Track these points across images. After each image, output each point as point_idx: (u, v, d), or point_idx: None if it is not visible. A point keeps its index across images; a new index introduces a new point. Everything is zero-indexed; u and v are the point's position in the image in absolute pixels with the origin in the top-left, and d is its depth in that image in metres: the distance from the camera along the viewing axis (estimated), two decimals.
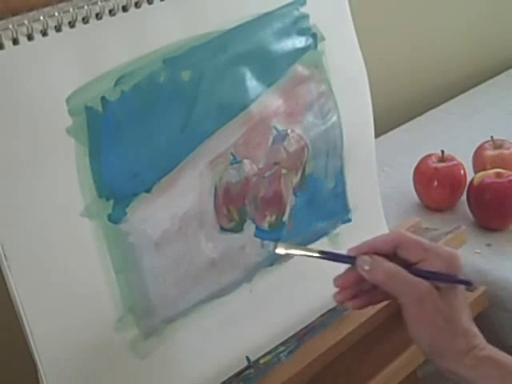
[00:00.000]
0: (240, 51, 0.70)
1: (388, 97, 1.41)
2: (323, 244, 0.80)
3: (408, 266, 0.64)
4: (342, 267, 0.72)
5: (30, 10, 0.57)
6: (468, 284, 0.66)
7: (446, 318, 0.63)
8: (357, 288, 0.67)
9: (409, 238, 0.65)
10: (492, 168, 1.07)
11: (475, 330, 0.66)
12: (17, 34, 0.56)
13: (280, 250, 0.69)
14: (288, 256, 0.77)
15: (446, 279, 0.64)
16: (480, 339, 0.65)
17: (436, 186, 1.08)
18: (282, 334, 0.76)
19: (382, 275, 0.64)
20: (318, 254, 0.68)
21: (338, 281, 0.67)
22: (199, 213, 0.69)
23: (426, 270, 0.64)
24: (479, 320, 0.93)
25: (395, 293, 0.64)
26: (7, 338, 0.83)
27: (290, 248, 0.70)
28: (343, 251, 0.67)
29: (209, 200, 0.69)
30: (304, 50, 0.75)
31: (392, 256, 0.65)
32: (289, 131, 0.75)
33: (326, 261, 0.78)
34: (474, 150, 1.16)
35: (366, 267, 0.64)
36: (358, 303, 0.67)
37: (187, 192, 0.67)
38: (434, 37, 1.54)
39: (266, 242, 0.73)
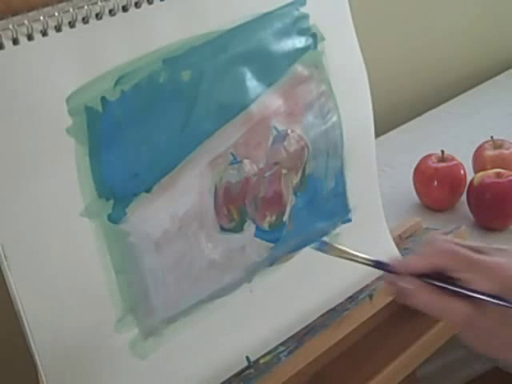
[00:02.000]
0: (240, 51, 0.70)
1: (388, 97, 1.41)
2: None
3: (452, 284, 0.61)
4: (342, 268, 0.72)
5: (30, 9, 0.57)
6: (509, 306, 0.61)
7: (492, 332, 0.61)
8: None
9: (453, 256, 0.62)
10: (492, 168, 1.07)
11: None
12: (17, 33, 0.56)
13: (331, 254, 0.68)
14: (288, 256, 0.77)
15: (493, 302, 0.60)
16: None
17: (436, 186, 1.08)
18: (282, 334, 0.76)
19: (420, 303, 0.62)
20: (371, 263, 0.66)
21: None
22: (199, 213, 0.69)
23: (468, 289, 0.61)
24: None
25: (438, 318, 0.64)
26: (7, 338, 0.83)
27: (343, 254, 0.68)
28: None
29: (209, 200, 0.69)
30: (304, 50, 0.75)
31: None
32: (289, 131, 0.75)
33: (326, 261, 0.78)
34: (474, 150, 1.16)
35: (407, 292, 0.62)
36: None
37: (187, 192, 0.67)
38: (433, 37, 1.54)
39: (317, 245, 0.70)
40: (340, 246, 0.69)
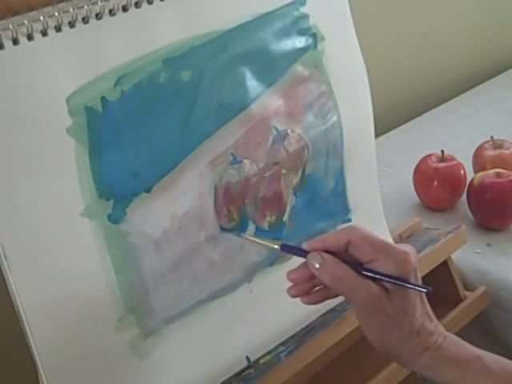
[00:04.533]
0: (240, 51, 0.70)
1: (388, 97, 1.41)
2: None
3: (360, 264, 0.62)
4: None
5: (30, 9, 0.57)
6: (421, 291, 0.62)
7: (395, 322, 0.61)
8: (311, 283, 0.64)
9: (360, 236, 0.62)
10: (492, 168, 1.07)
11: (431, 326, 0.63)
12: (17, 33, 0.56)
13: (246, 236, 0.70)
14: (288, 256, 0.77)
15: (395, 283, 0.61)
16: (437, 336, 0.63)
17: (436, 186, 1.08)
18: (282, 334, 0.77)
19: (328, 277, 0.62)
20: (277, 247, 0.67)
21: (291, 275, 0.64)
22: (199, 213, 0.69)
23: (375, 271, 0.61)
24: (479, 320, 0.93)
25: (343, 295, 0.63)
26: (7, 338, 0.83)
27: (254, 237, 0.70)
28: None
29: (209, 200, 0.69)
30: (304, 50, 0.75)
31: (346, 252, 0.62)
32: (289, 131, 0.75)
33: None
34: (474, 150, 1.16)
35: (316, 265, 0.62)
36: (312, 298, 0.65)
37: (187, 192, 0.67)
38: (434, 37, 1.54)
39: (235, 232, 0.72)
40: (249, 237, 0.71)
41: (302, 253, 0.64)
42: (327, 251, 0.62)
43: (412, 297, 0.62)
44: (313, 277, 0.63)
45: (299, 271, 0.64)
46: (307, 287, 0.64)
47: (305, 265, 0.64)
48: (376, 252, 0.61)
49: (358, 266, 0.62)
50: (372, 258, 0.61)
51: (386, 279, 0.61)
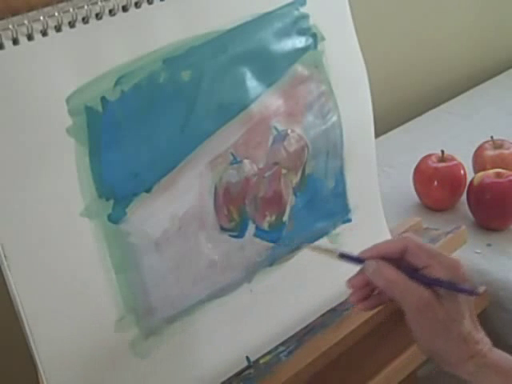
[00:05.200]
0: (240, 51, 0.70)
1: (388, 97, 1.41)
2: (323, 244, 0.80)
3: (415, 271, 0.65)
4: (342, 267, 0.72)
5: (30, 9, 0.57)
6: (471, 294, 0.65)
7: (444, 327, 0.64)
8: (369, 288, 0.68)
9: (415, 244, 0.66)
10: (492, 168, 1.07)
11: (478, 336, 0.65)
12: (17, 33, 0.56)
13: (308, 246, 0.75)
14: (288, 256, 0.77)
15: (448, 287, 0.64)
16: (482, 345, 0.65)
17: (436, 186, 1.08)
18: (281, 334, 0.77)
19: (383, 281, 0.65)
20: (336, 255, 0.70)
21: (351, 282, 0.68)
22: (199, 213, 0.69)
23: (429, 277, 0.64)
24: (479, 320, 0.93)
25: (396, 299, 0.65)
26: (7, 338, 0.83)
27: (315, 248, 0.74)
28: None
29: (209, 200, 0.69)
30: (304, 50, 0.75)
31: (401, 259, 0.66)
32: (289, 131, 0.75)
33: (326, 261, 0.78)
34: (474, 150, 1.16)
35: (370, 271, 0.66)
36: (368, 304, 0.69)
37: (187, 192, 0.67)
38: (433, 37, 1.54)
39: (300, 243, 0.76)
40: (310, 245, 0.75)
41: (359, 260, 0.67)
42: (382, 258, 0.66)
43: (462, 304, 0.65)
44: (369, 283, 0.67)
45: (357, 278, 0.68)
46: (364, 293, 0.68)
47: (362, 271, 0.67)
48: (430, 258, 0.65)
49: (411, 272, 0.65)
50: (426, 263, 0.65)
51: (439, 283, 0.64)
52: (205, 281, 0.70)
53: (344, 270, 0.81)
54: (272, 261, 0.76)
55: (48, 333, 0.60)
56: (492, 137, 1.15)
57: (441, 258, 0.65)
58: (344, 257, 0.69)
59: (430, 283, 0.64)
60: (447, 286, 0.64)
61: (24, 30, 0.57)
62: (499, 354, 0.66)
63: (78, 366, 0.63)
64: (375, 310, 0.81)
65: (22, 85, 0.57)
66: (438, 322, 0.64)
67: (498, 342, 0.68)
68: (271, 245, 0.75)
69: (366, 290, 0.68)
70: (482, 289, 0.66)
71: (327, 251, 0.72)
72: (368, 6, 1.29)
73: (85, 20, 0.60)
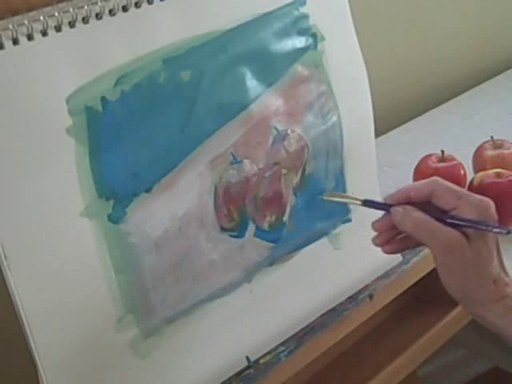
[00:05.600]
0: (240, 51, 0.70)
1: (388, 97, 1.41)
2: (323, 244, 0.80)
3: (442, 213, 0.64)
4: (342, 267, 0.72)
5: (30, 9, 0.57)
6: (501, 232, 0.64)
7: (474, 267, 0.63)
8: (393, 232, 0.67)
9: (442, 186, 0.65)
10: (492, 168, 1.07)
11: (507, 278, 0.65)
12: (17, 33, 0.56)
13: (325, 197, 0.75)
14: (288, 256, 0.77)
15: (478, 226, 0.63)
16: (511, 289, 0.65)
17: None
18: (282, 334, 0.76)
19: (410, 225, 0.64)
20: (360, 202, 0.70)
21: (376, 225, 0.68)
22: (199, 213, 0.69)
23: (457, 217, 0.64)
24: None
25: (424, 242, 0.65)
26: (7, 338, 0.83)
27: (335, 196, 0.76)
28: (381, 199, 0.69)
29: (209, 200, 0.69)
30: (304, 50, 0.75)
31: (427, 204, 0.65)
32: (289, 131, 0.75)
33: (326, 262, 0.78)
34: (474, 150, 1.16)
35: (398, 217, 0.65)
36: (393, 247, 0.68)
37: (187, 192, 0.67)
38: (434, 37, 1.53)
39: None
40: (330, 197, 0.76)
41: (385, 207, 0.67)
42: (408, 203, 0.65)
43: (491, 245, 0.64)
44: (394, 227, 0.66)
45: (383, 221, 0.67)
46: (389, 236, 0.67)
47: (388, 216, 0.66)
48: (458, 199, 0.64)
49: (439, 214, 0.64)
50: (454, 205, 0.64)
51: (468, 224, 0.63)
52: (205, 281, 0.70)
53: (344, 270, 0.81)
54: (272, 261, 0.76)
55: (48, 333, 0.60)
56: (492, 137, 1.15)
57: (469, 198, 0.64)
58: (368, 204, 0.69)
59: (459, 224, 0.63)
60: (476, 225, 0.63)
61: (24, 30, 0.57)
62: None
63: (77, 365, 0.63)
64: (375, 310, 0.81)
65: (22, 85, 0.57)
66: (468, 262, 0.63)
67: (498, 341, 0.69)
68: (271, 245, 0.75)
69: (390, 234, 0.67)
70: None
71: (350, 199, 0.73)
72: (368, 6, 1.29)
73: (85, 20, 0.60)
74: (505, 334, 0.65)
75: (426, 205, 0.65)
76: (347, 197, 0.73)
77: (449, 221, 0.64)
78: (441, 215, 0.64)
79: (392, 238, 0.68)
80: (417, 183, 0.67)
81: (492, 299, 0.64)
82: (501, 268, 0.65)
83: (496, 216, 0.65)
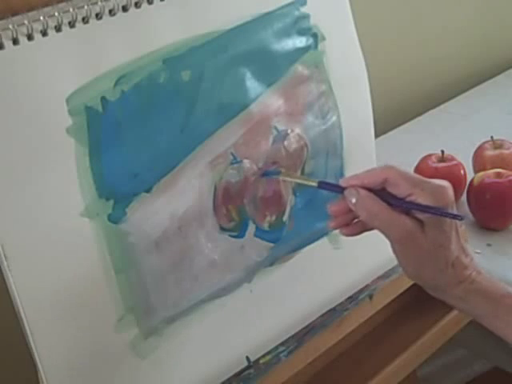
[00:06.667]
0: (240, 51, 0.70)
1: (388, 97, 1.41)
2: (323, 244, 0.80)
3: (398, 199, 0.63)
4: (342, 267, 0.72)
5: (30, 9, 0.57)
6: (454, 218, 0.63)
7: (430, 253, 0.63)
8: (350, 215, 0.66)
9: (396, 174, 0.64)
10: (492, 168, 1.07)
11: (466, 260, 0.65)
12: (17, 34, 0.56)
13: (282, 177, 0.73)
14: (288, 256, 0.77)
15: (432, 212, 0.62)
16: (471, 270, 0.65)
17: None
18: (282, 334, 0.76)
19: (364, 213, 0.64)
20: (315, 184, 0.69)
21: (331, 208, 0.66)
22: (199, 213, 0.69)
23: (411, 204, 0.63)
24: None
25: (378, 230, 0.64)
26: (7, 338, 0.83)
27: (292, 176, 0.73)
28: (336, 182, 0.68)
29: (209, 200, 0.69)
30: (304, 49, 0.75)
31: (381, 190, 0.64)
32: (289, 131, 0.75)
33: (326, 262, 0.78)
34: (474, 150, 1.16)
35: (353, 200, 0.64)
36: (351, 230, 0.67)
37: (187, 192, 0.67)
38: (434, 37, 1.54)
39: (269, 170, 0.73)
40: (286, 178, 0.73)
41: (339, 189, 0.66)
42: (364, 187, 0.64)
43: (447, 230, 0.63)
44: (351, 210, 0.65)
45: (339, 204, 0.66)
46: (346, 219, 0.66)
47: (343, 199, 0.65)
48: (413, 187, 0.63)
49: (393, 200, 0.63)
50: (409, 192, 0.63)
51: (422, 209, 0.62)
52: (205, 281, 0.70)
53: (344, 270, 0.81)
54: (272, 261, 0.76)
55: (48, 333, 0.60)
56: (492, 137, 1.15)
57: (424, 185, 0.63)
58: (323, 185, 0.68)
59: (412, 210, 0.63)
60: (428, 211, 0.62)
61: (24, 30, 0.57)
62: (487, 280, 0.66)
63: (77, 365, 0.63)
64: (375, 311, 0.81)
65: (22, 85, 0.57)
66: (423, 250, 0.63)
67: (497, 341, 0.68)
68: (271, 245, 0.75)
69: (347, 217, 0.66)
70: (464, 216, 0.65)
71: (306, 180, 0.72)
72: (368, 6, 1.29)
73: (85, 20, 0.60)
74: (468, 315, 0.65)
75: (379, 190, 0.64)
76: (303, 178, 0.72)
77: (404, 206, 0.63)
78: (396, 201, 0.63)
79: (350, 221, 0.67)
80: (371, 170, 0.66)
81: (450, 284, 0.64)
82: (461, 250, 0.65)
83: (453, 200, 0.64)
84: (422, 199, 0.62)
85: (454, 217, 0.63)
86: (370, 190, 0.64)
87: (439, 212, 0.62)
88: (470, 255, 0.66)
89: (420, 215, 0.63)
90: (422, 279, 0.66)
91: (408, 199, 0.63)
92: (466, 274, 0.65)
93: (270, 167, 0.73)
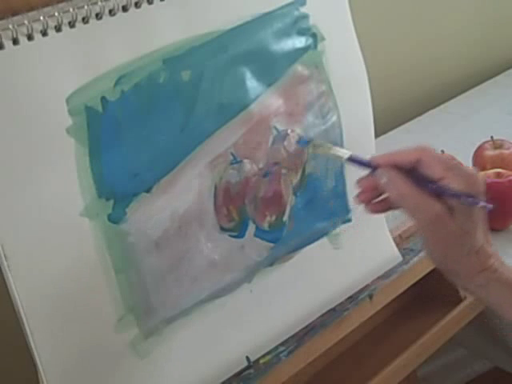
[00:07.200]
0: (240, 51, 0.70)
1: (388, 97, 1.41)
2: (323, 244, 0.80)
3: (428, 182, 0.63)
4: (342, 267, 0.72)
5: (30, 9, 0.57)
6: (483, 207, 0.63)
7: (457, 239, 0.63)
8: (377, 191, 0.66)
9: (430, 155, 0.63)
10: (492, 168, 1.07)
11: (490, 250, 0.65)
12: (17, 33, 0.56)
13: (311, 147, 0.73)
14: (288, 256, 0.77)
15: (464, 199, 0.62)
16: (494, 259, 0.65)
17: None
18: (282, 334, 0.76)
19: (394, 193, 0.63)
20: (346, 157, 0.69)
21: (361, 182, 0.66)
22: (199, 213, 0.69)
23: (441, 188, 0.62)
24: (479, 320, 0.93)
25: (407, 212, 0.64)
26: (7, 338, 0.83)
27: (323, 146, 0.73)
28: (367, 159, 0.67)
29: (209, 200, 0.69)
30: (304, 50, 0.75)
31: (414, 170, 0.64)
32: (289, 131, 0.75)
33: (325, 261, 0.78)
34: (474, 150, 1.16)
35: (383, 180, 0.64)
36: (376, 207, 0.67)
37: (187, 192, 0.67)
38: (434, 37, 1.54)
39: (302, 140, 0.74)
40: (319, 141, 0.74)
41: (369, 166, 0.65)
42: (394, 166, 0.64)
43: (475, 217, 0.64)
44: (378, 187, 0.65)
45: (367, 180, 0.66)
46: (373, 194, 0.66)
47: (373, 175, 0.65)
48: (446, 170, 0.62)
49: (425, 182, 0.63)
50: (441, 176, 0.62)
51: (454, 195, 0.62)
52: (205, 281, 0.70)
53: (344, 270, 0.81)
54: (272, 261, 0.76)
55: (48, 333, 0.60)
56: (492, 137, 1.15)
57: (457, 170, 0.63)
58: (353, 160, 0.68)
59: (443, 194, 0.62)
60: (462, 197, 0.62)
61: (24, 30, 0.57)
62: (510, 270, 0.66)
63: (77, 365, 0.63)
64: (375, 311, 0.81)
65: (22, 85, 0.57)
66: (450, 234, 0.63)
67: (497, 342, 0.69)
68: (271, 245, 0.75)
69: (374, 192, 0.66)
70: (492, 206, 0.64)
71: (336, 152, 0.71)
72: (368, 6, 1.29)
73: (85, 20, 0.60)
74: (487, 305, 0.66)
75: (413, 170, 0.63)
76: (334, 149, 0.71)
77: (435, 187, 0.62)
78: (427, 183, 0.63)
79: (376, 196, 0.66)
80: (404, 149, 0.65)
81: (473, 271, 0.64)
82: (485, 239, 0.65)
83: (484, 188, 0.63)
84: (456, 184, 0.62)
85: (486, 206, 0.63)
86: (400, 169, 0.63)
87: (472, 200, 0.62)
88: (490, 247, 0.66)
89: (451, 201, 0.62)
90: (445, 264, 0.65)
91: (440, 183, 0.62)
92: (490, 263, 0.65)
93: (271, 167, 0.73)
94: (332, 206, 0.80)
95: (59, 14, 0.58)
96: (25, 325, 0.59)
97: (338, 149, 0.72)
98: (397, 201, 0.64)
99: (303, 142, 0.74)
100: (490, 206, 0.63)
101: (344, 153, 0.69)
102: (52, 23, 0.58)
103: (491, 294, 0.65)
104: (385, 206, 0.67)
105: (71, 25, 0.59)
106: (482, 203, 0.63)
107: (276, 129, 0.74)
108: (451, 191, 0.62)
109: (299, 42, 0.75)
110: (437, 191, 0.62)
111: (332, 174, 0.80)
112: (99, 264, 0.63)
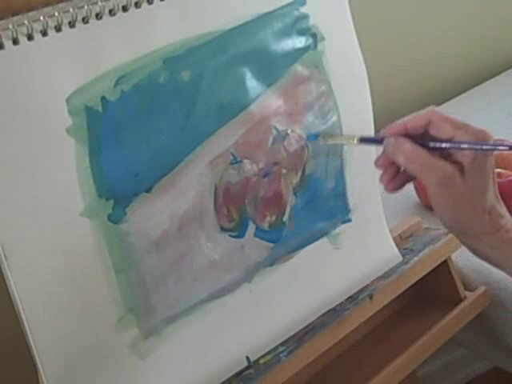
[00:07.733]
0: (240, 51, 0.70)
1: (388, 97, 1.41)
2: (323, 244, 0.80)
3: (441, 141, 0.63)
4: (342, 267, 0.72)
5: (30, 9, 0.57)
6: (504, 149, 0.63)
7: (468, 199, 0.63)
8: (395, 167, 0.66)
9: (438, 116, 0.64)
10: None
11: (502, 210, 0.65)
12: (17, 33, 0.56)
13: (322, 139, 0.75)
14: (288, 256, 0.77)
15: (481, 146, 0.62)
16: (507, 220, 0.65)
17: None
18: (282, 334, 0.76)
19: (402, 157, 0.63)
20: (356, 141, 0.70)
21: (377, 162, 0.67)
22: (199, 213, 0.69)
23: (453, 142, 0.62)
24: (479, 320, 0.93)
25: (416, 175, 0.64)
26: (7, 338, 0.83)
27: (333, 138, 0.75)
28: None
29: (209, 200, 0.69)
30: (304, 50, 0.75)
31: (424, 135, 0.64)
32: (289, 131, 0.75)
33: (326, 262, 0.78)
34: None
35: (390, 150, 0.64)
36: (392, 185, 0.67)
37: (187, 192, 0.67)
38: (434, 37, 1.54)
39: (310, 135, 0.75)
40: (328, 133, 0.75)
41: (380, 141, 0.66)
42: (405, 135, 0.64)
43: (486, 177, 0.64)
44: (394, 162, 0.65)
45: (382, 157, 0.66)
46: (393, 172, 0.66)
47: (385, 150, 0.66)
48: (456, 129, 0.63)
49: (438, 144, 0.63)
50: (451, 135, 0.63)
51: (467, 146, 0.62)
52: (205, 281, 0.70)
53: (344, 270, 0.81)
54: (272, 261, 0.76)
55: (48, 333, 0.60)
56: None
57: (467, 127, 0.63)
58: (364, 141, 0.69)
59: (456, 149, 0.62)
60: (475, 147, 0.62)
61: (24, 30, 0.57)
62: None
63: (77, 365, 0.63)
64: (375, 311, 0.81)
65: (21, 85, 0.57)
66: (461, 195, 0.63)
67: (497, 342, 0.69)
68: (271, 245, 0.75)
69: (393, 169, 0.66)
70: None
71: (347, 139, 0.72)
72: (368, 5, 1.29)
73: (85, 20, 0.60)
74: (497, 266, 0.65)
75: (422, 137, 0.64)
76: (344, 137, 0.73)
77: (444, 145, 0.63)
78: (440, 143, 0.63)
79: (396, 174, 0.66)
80: (413, 115, 0.65)
81: (486, 231, 0.64)
82: (496, 200, 0.65)
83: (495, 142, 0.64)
84: (465, 140, 0.62)
85: (503, 148, 0.63)
86: (412, 136, 0.64)
87: (492, 143, 0.62)
88: (504, 207, 0.66)
89: (463, 158, 0.62)
90: (457, 225, 0.65)
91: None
92: (502, 223, 0.64)
93: (271, 167, 0.73)
94: (332, 206, 0.80)
95: (59, 13, 0.58)
96: (25, 325, 0.59)
97: (347, 136, 0.73)
98: (405, 165, 0.64)
99: (312, 137, 0.75)
100: (506, 146, 0.63)
101: (354, 136, 0.70)
102: (52, 23, 0.58)
103: (504, 254, 0.64)
104: (400, 181, 0.67)
105: (71, 25, 0.59)
106: (502, 147, 0.63)
107: (276, 129, 0.74)
108: (467, 143, 0.62)
109: (299, 41, 0.75)
110: (452, 148, 0.62)
111: (332, 174, 0.80)
112: (99, 264, 0.63)
